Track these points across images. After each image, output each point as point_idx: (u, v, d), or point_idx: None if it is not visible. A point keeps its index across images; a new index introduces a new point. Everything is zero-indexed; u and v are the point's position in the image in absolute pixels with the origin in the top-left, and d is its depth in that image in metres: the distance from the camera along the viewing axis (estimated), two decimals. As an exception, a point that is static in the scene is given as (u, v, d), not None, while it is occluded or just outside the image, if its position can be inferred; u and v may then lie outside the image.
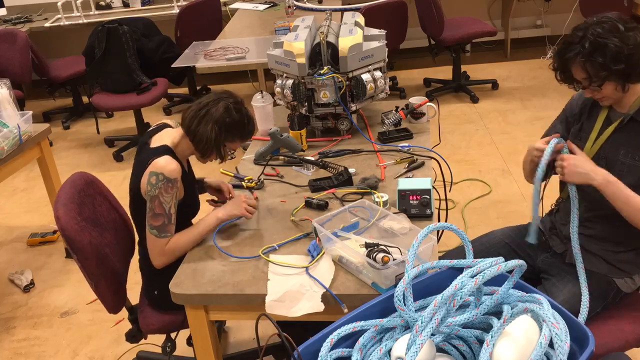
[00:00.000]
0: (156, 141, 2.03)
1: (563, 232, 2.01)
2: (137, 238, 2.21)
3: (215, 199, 2.24)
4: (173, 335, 2.29)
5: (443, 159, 2.31)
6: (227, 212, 2.01)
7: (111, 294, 2.09)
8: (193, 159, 2.14)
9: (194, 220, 2.19)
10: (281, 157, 2.43)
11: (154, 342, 2.51)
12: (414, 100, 2.56)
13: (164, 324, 2.15)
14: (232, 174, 2.26)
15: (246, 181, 2.18)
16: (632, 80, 1.76)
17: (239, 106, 2.00)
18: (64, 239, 1.96)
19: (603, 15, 1.78)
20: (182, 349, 2.51)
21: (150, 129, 2.13)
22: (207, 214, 2.03)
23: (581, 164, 1.79)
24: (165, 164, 1.92)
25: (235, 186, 2.23)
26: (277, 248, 1.91)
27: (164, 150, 1.98)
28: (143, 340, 2.31)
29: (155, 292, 2.16)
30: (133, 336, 2.24)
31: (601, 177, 1.77)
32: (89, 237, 2.01)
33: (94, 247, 2.01)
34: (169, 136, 2.04)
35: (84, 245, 1.97)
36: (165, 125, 2.12)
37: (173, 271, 1.97)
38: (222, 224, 2.00)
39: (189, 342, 2.32)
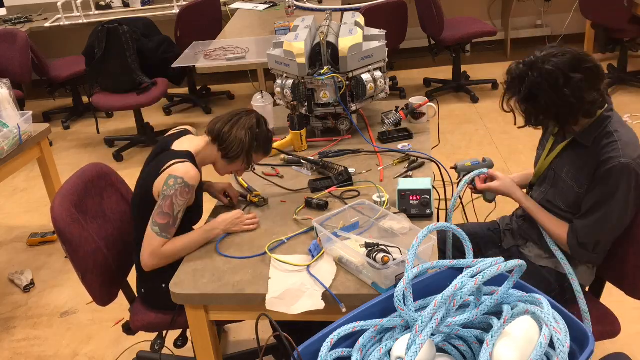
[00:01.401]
0: (178, 146, 2.04)
1: (513, 226, 2.14)
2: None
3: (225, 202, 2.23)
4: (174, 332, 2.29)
5: (441, 165, 2.30)
6: (225, 228, 2.02)
7: (98, 286, 2.10)
8: (206, 170, 2.16)
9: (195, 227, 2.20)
10: (281, 157, 2.43)
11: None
12: (414, 100, 2.56)
13: (148, 322, 2.16)
14: (247, 185, 2.26)
15: (253, 194, 2.18)
16: (567, 125, 1.82)
17: (266, 123, 2.11)
18: (54, 228, 1.98)
19: (552, 54, 1.75)
20: (183, 348, 2.50)
21: (171, 133, 2.15)
22: (206, 224, 2.04)
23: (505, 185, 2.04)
24: (187, 170, 1.93)
25: (240, 195, 2.22)
26: (286, 241, 1.92)
27: (187, 155, 1.99)
28: (143, 339, 2.31)
29: (143, 290, 2.18)
30: (128, 329, 2.25)
31: (519, 196, 2.03)
32: (79, 229, 2.03)
33: (83, 239, 2.03)
34: (192, 142, 2.06)
35: (73, 236, 1.99)
36: (187, 132, 2.14)
37: (162, 272, 1.99)
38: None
39: (176, 343, 2.33)
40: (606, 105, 1.83)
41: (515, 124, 1.88)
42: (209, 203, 2.15)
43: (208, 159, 2.08)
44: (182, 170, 1.92)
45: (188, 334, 2.43)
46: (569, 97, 1.71)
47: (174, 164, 1.94)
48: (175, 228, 1.97)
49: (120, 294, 2.24)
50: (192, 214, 2.09)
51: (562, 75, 1.71)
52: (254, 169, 2.21)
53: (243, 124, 2.04)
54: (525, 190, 2.15)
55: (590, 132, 1.83)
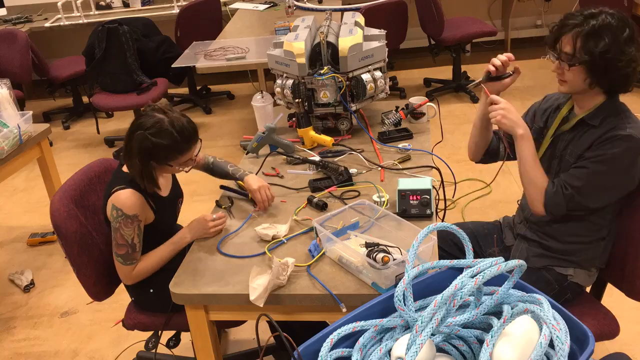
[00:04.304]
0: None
1: (516, 230, 2.12)
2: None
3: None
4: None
5: (443, 160, 2.30)
6: (193, 236, 2.02)
7: (93, 282, 2.11)
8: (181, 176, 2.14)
9: None
10: (282, 158, 2.43)
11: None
12: (414, 100, 2.56)
13: (140, 322, 2.18)
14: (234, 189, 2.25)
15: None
16: (600, 81, 1.78)
17: (156, 128, 1.86)
18: (52, 223, 1.99)
19: (622, 13, 1.76)
20: (183, 348, 2.51)
21: None
22: (176, 235, 2.05)
23: (512, 112, 1.87)
24: (125, 200, 1.92)
25: (240, 193, 2.22)
26: (285, 242, 1.92)
27: (128, 181, 1.96)
28: (143, 338, 2.32)
29: (133, 297, 2.21)
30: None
31: (523, 129, 1.87)
32: (76, 225, 2.04)
33: (79, 234, 2.04)
34: None
35: (69, 232, 2.00)
36: None
37: (148, 279, 2.02)
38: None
39: (169, 343, 2.34)
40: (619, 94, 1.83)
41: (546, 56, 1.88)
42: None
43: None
44: (121, 200, 1.92)
45: (182, 335, 2.44)
46: (625, 53, 1.71)
47: (115, 190, 1.94)
48: (138, 251, 2.00)
49: (121, 292, 2.24)
50: (163, 228, 2.08)
51: (628, 32, 1.72)
52: (186, 170, 2.01)
53: (132, 152, 1.89)
54: None
55: (600, 113, 1.82)
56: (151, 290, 2.09)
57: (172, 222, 2.22)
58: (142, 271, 2.03)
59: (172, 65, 4.07)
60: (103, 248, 2.15)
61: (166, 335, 2.36)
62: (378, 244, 1.69)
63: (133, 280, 2.04)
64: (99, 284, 2.14)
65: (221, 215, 2.03)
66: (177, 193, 2.21)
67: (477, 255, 2.14)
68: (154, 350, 2.25)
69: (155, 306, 2.10)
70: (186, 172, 2.03)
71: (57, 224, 1.99)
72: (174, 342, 2.36)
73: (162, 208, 2.07)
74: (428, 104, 2.54)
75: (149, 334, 2.31)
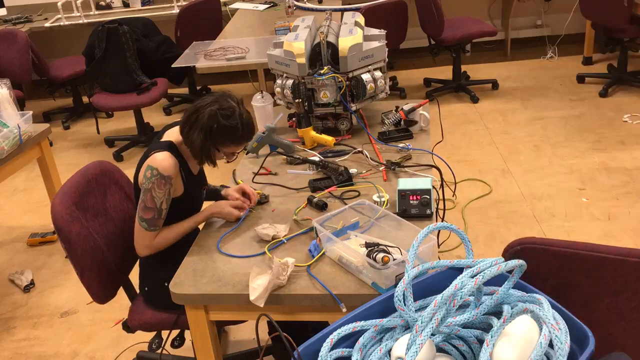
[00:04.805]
0: (167, 135, 2.06)
1: None
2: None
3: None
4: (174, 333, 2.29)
5: (444, 161, 2.30)
6: (221, 215, 2.07)
7: (97, 285, 2.10)
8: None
9: None
10: (282, 158, 2.43)
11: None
12: (407, 107, 2.52)
13: (146, 321, 2.17)
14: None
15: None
16: None
17: (229, 112, 1.93)
18: (54, 226, 1.99)
19: None
20: (184, 348, 2.50)
21: (171, 123, 2.15)
22: (199, 214, 2.09)
23: None
24: (162, 160, 1.94)
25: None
26: (285, 242, 1.92)
27: (167, 145, 2.00)
28: (143, 339, 2.32)
29: (146, 288, 2.18)
30: (128, 327, 2.25)
31: None
32: (79, 227, 2.03)
33: (82, 237, 2.04)
34: (178, 133, 2.06)
35: (72, 235, 2.00)
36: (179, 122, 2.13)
37: (166, 270, 1.99)
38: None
39: (174, 343, 2.33)
40: None
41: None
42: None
43: (186, 152, 2.07)
44: (157, 160, 1.94)
45: (186, 334, 2.44)
46: None
47: (153, 153, 1.96)
48: (163, 219, 2.01)
49: (121, 292, 2.24)
50: (186, 207, 2.10)
51: None
52: (232, 160, 2.07)
53: (197, 124, 1.93)
54: None
55: None
56: (166, 284, 2.08)
57: (198, 204, 2.20)
58: (161, 242, 2.03)
59: (172, 65, 4.06)
60: (105, 251, 2.14)
61: (170, 335, 2.35)
62: (378, 244, 1.69)
63: (150, 250, 2.03)
64: (103, 286, 2.13)
65: (244, 203, 2.10)
66: (203, 179, 2.23)
67: None
68: (158, 351, 2.25)
69: (168, 302, 2.08)
70: (228, 162, 2.08)
71: (60, 226, 1.98)
72: (179, 342, 2.36)
73: (191, 184, 2.09)
74: (422, 112, 2.52)
75: (150, 334, 2.31)
